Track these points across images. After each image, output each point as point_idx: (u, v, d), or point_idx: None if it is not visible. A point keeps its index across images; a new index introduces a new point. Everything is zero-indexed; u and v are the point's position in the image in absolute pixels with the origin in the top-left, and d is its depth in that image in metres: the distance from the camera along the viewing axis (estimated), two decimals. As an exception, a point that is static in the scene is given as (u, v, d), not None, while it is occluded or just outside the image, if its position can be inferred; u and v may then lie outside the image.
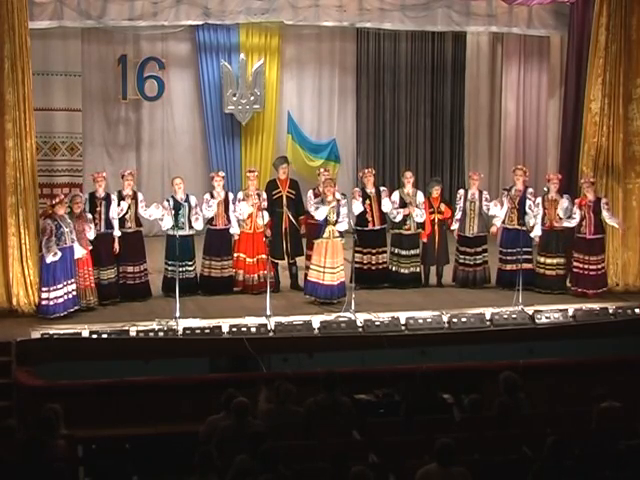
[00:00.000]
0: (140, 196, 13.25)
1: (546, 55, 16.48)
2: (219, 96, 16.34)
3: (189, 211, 13.14)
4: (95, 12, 13.62)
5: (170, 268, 13.09)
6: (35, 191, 12.52)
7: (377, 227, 13.70)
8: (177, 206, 13.09)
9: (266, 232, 13.30)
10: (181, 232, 12.89)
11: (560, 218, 13.46)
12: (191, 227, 13.16)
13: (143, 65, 16.15)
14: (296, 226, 13.64)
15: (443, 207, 13.91)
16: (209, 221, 13.39)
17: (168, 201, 13.15)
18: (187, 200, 13.19)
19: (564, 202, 13.49)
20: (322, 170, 13.92)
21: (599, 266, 13.47)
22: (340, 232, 12.99)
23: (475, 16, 14.90)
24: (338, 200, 12.96)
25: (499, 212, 13.79)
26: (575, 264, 13.50)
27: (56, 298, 12.11)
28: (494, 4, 14.77)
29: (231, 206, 13.35)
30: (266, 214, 13.33)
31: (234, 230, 13.39)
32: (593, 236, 13.41)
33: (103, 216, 12.82)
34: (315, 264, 12.92)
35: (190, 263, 13.15)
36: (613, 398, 8.99)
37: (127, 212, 13.01)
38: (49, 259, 12.02)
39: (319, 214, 12.90)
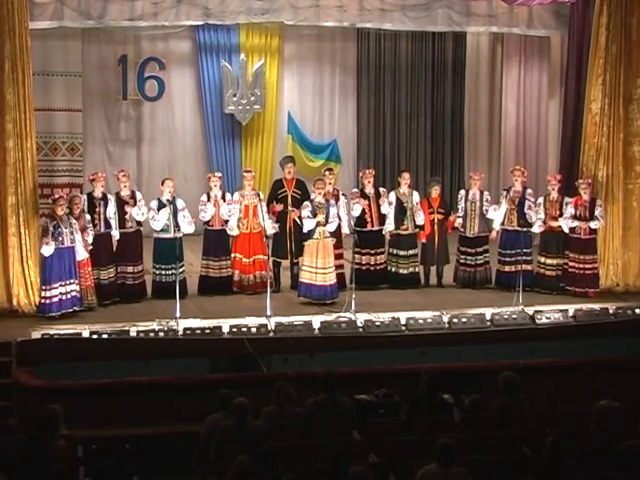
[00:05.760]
0: (139, 195, 13.21)
1: (546, 55, 16.50)
2: (219, 96, 16.34)
3: (175, 214, 12.96)
4: (95, 12, 13.63)
5: (157, 272, 13.09)
6: (35, 191, 12.52)
7: (376, 228, 13.69)
8: (161, 207, 12.93)
9: (276, 208, 13.34)
10: (166, 235, 12.89)
11: (559, 215, 13.41)
12: (177, 230, 12.91)
13: (143, 65, 16.16)
14: (300, 226, 13.61)
15: (443, 210, 13.93)
16: (206, 222, 13.34)
17: (169, 203, 13.00)
18: (173, 202, 12.98)
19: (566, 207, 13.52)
20: (327, 173, 13.79)
21: (594, 265, 13.50)
22: (331, 232, 13.00)
23: (475, 16, 14.92)
24: (327, 200, 12.98)
25: (497, 217, 13.79)
26: (570, 264, 13.50)
27: (51, 297, 12.08)
28: (494, 4, 14.78)
29: (222, 206, 13.28)
30: (268, 220, 13.27)
31: (233, 232, 13.31)
32: (588, 236, 13.43)
33: (102, 216, 12.80)
34: (307, 265, 12.93)
35: (175, 266, 12.75)
36: (613, 398, 9.00)
37: (126, 212, 12.97)
38: (43, 251, 12.00)
39: (307, 225, 12.90)
